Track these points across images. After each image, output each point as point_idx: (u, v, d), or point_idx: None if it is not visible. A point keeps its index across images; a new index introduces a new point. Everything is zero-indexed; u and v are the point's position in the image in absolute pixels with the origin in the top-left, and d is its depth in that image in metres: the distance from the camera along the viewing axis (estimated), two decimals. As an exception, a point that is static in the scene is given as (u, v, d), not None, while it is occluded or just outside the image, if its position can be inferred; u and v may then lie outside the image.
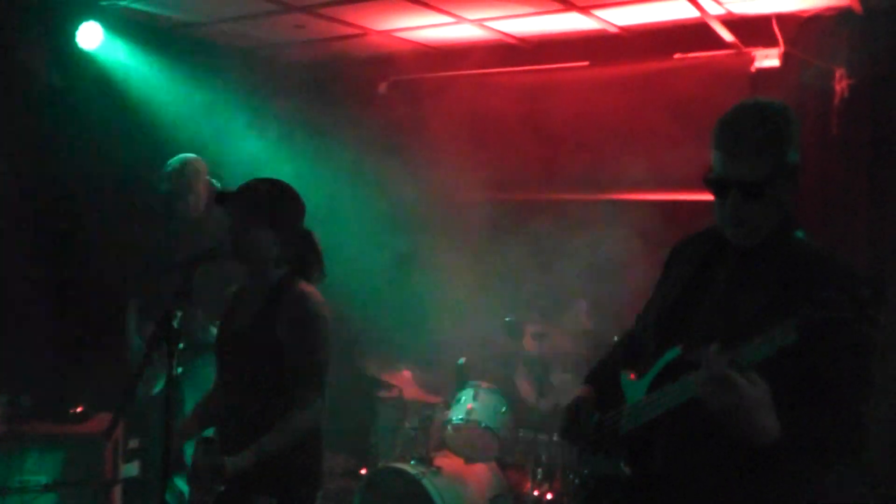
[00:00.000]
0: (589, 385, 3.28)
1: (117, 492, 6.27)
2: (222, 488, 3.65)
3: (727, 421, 2.48)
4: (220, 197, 4.00)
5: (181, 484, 4.44)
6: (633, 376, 2.99)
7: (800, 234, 2.85)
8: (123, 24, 7.18)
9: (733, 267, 2.88)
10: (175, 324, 3.39)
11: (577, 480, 3.18)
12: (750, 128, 2.72)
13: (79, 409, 6.30)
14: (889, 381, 3.16)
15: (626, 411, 2.95)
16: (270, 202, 3.92)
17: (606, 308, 6.70)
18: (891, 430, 5.04)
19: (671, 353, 2.83)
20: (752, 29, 6.70)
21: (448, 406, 6.87)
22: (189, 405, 4.22)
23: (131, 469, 6.52)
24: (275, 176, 4.06)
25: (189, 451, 3.95)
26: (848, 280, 2.50)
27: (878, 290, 2.33)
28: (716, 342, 2.53)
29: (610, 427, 3.01)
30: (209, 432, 3.97)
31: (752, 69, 6.81)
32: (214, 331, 4.30)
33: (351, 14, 7.20)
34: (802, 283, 2.65)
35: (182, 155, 6.09)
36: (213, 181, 6.10)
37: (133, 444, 6.57)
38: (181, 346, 3.44)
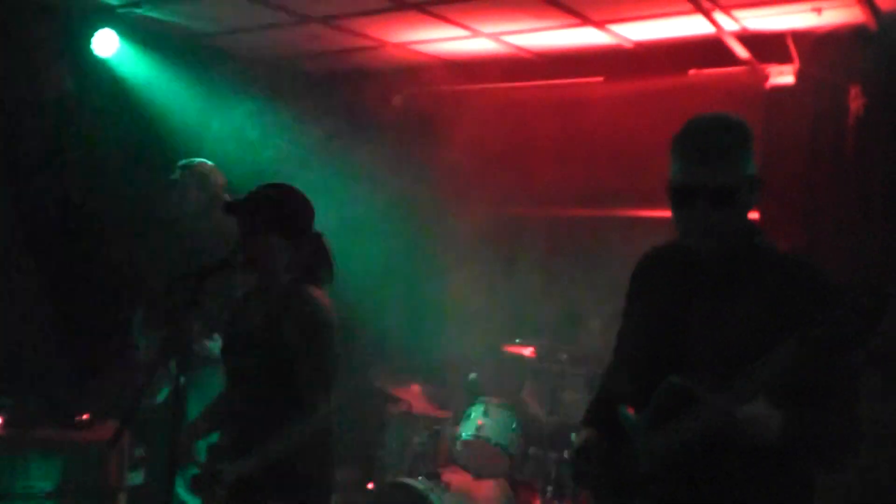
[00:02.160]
0: (590, 427, 3.17)
1: (122, 500, 6.25)
2: (223, 493, 3.63)
3: (738, 444, 2.54)
4: (229, 207, 4.00)
5: (184, 495, 4.42)
6: (630, 410, 2.90)
7: (758, 239, 2.84)
8: (139, 33, 7.20)
9: (709, 282, 2.83)
10: (181, 332, 3.38)
11: None
12: (716, 136, 2.73)
13: (84, 417, 6.28)
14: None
15: (641, 450, 2.84)
16: (280, 207, 3.93)
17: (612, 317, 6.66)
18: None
19: (666, 386, 2.73)
20: (767, 45, 6.68)
21: (457, 421, 6.84)
22: (193, 415, 4.20)
23: (137, 477, 6.49)
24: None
25: (194, 459, 3.94)
26: (845, 292, 2.48)
27: (882, 300, 2.32)
28: (713, 371, 2.55)
29: (626, 468, 2.90)
30: (215, 438, 3.96)
31: (767, 86, 6.80)
32: (219, 341, 4.29)
33: (367, 26, 7.21)
34: (794, 294, 2.65)
35: (189, 159, 6.09)
36: (225, 192, 6.09)
37: (139, 452, 6.55)
38: (188, 355, 3.43)
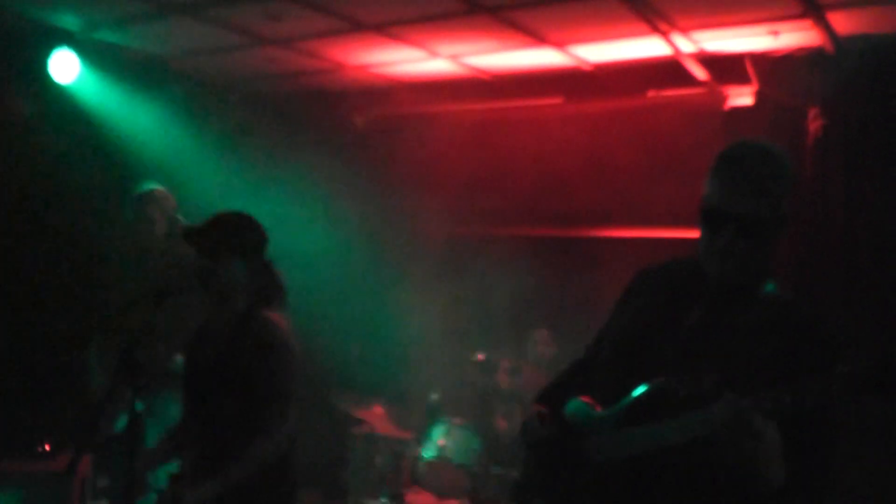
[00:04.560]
0: (542, 404, 3.14)
1: (85, 530, 6.18)
2: None
3: (739, 466, 2.40)
4: (188, 233, 4.00)
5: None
6: (595, 406, 2.88)
7: (770, 286, 2.79)
8: (98, 57, 7.15)
9: (712, 303, 2.79)
10: (138, 358, 3.36)
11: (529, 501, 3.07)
12: (758, 165, 2.68)
13: (45, 447, 6.20)
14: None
15: (597, 440, 2.81)
16: (238, 233, 3.97)
17: (569, 334, 6.71)
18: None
19: (653, 385, 2.69)
20: (726, 67, 6.73)
21: (420, 442, 6.83)
22: (151, 441, 4.17)
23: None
24: (247, 210, 4.09)
25: (155, 487, 3.91)
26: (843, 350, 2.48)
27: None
28: (721, 382, 2.49)
29: (572, 452, 2.88)
30: (174, 466, 3.93)
31: (726, 107, 6.86)
32: (177, 364, 4.27)
33: (325, 48, 7.19)
34: (791, 337, 2.61)
35: (146, 183, 6.10)
36: (180, 217, 6.08)
37: (102, 482, 6.48)
38: (144, 381, 3.41)
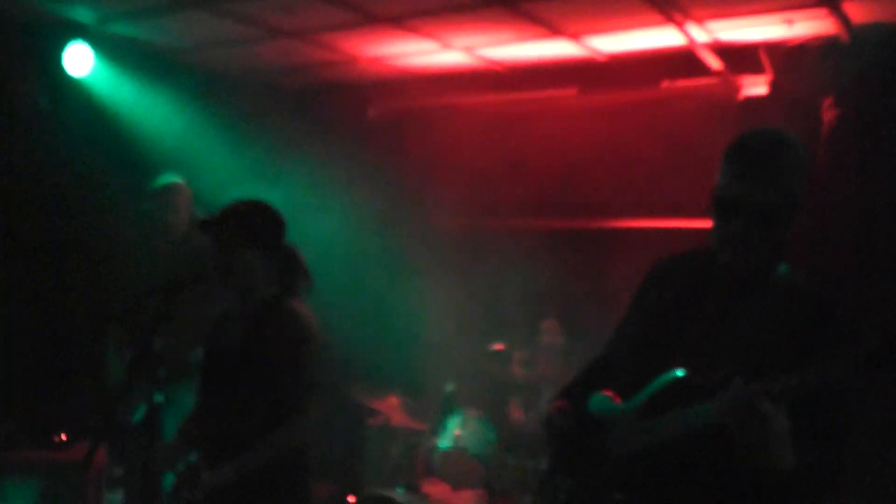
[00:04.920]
0: (564, 399, 3.16)
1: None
2: (200, 498, 3.63)
3: (749, 451, 2.42)
4: (204, 224, 4.00)
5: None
6: (616, 398, 2.90)
7: (783, 268, 2.80)
8: (112, 50, 7.17)
9: (726, 293, 2.81)
10: (156, 349, 3.37)
11: (551, 495, 3.08)
12: (769, 153, 2.68)
13: (62, 437, 6.24)
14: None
15: (618, 432, 2.85)
16: (254, 222, 3.96)
17: (581, 325, 6.72)
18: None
19: (670, 375, 2.73)
20: (740, 57, 6.72)
21: (435, 433, 6.85)
22: (169, 432, 4.19)
23: (115, 498, 6.46)
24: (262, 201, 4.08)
25: (168, 480, 3.93)
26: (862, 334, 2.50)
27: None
28: (724, 367, 2.50)
29: (594, 445, 2.92)
30: (193, 457, 3.95)
31: (740, 97, 6.84)
32: (195, 356, 4.29)
33: (338, 40, 7.20)
34: (804, 321, 2.62)
35: (166, 175, 6.13)
36: (196, 212, 6.11)
37: (118, 472, 6.52)
38: (161, 372, 3.42)
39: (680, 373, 2.71)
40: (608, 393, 2.92)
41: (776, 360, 2.51)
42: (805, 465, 2.48)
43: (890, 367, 2.29)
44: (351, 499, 7.14)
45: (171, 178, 6.16)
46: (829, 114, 6.40)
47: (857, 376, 2.34)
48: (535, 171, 7.56)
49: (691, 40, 6.51)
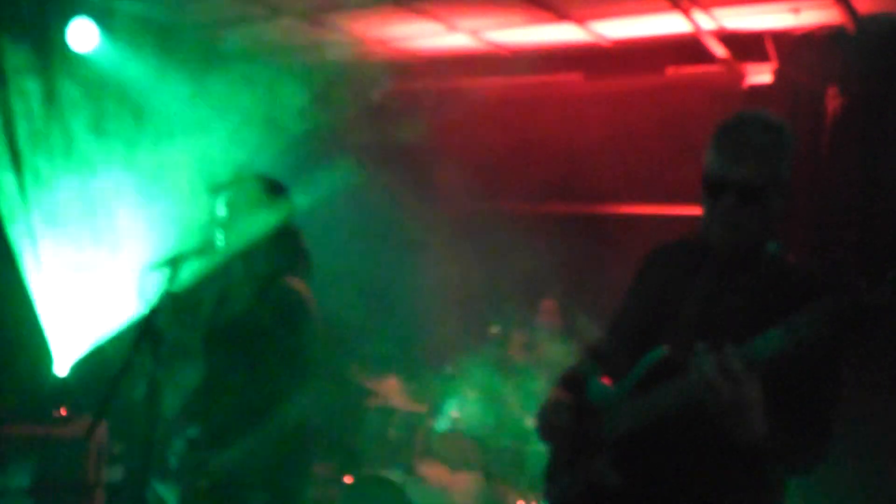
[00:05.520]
0: (562, 387, 3.20)
1: (100, 495, 6.23)
2: (207, 484, 3.64)
3: (723, 417, 2.47)
4: (214, 188, 4.01)
5: (161, 490, 4.42)
6: (609, 382, 2.95)
7: (772, 246, 2.86)
8: (116, 26, 7.15)
9: (715, 274, 2.87)
10: (157, 324, 3.38)
11: (556, 490, 3.12)
12: (754, 134, 2.75)
13: (61, 412, 6.26)
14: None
15: (610, 416, 2.90)
16: (263, 194, 3.95)
17: (577, 302, 6.74)
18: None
19: (655, 354, 2.79)
20: (745, 45, 6.71)
21: (433, 415, 6.86)
22: (169, 408, 4.20)
23: (115, 473, 6.48)
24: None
25: (171, 454, 3.94)
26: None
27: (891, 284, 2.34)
28: (704, 342, 2.53)
29: (592, 433, 2.96)
30: (194, 432, 3.96)
31: (744, 85, 6.84)
32: (195, 331, 4.29)
33: (344, 21, 7.19)
34: (792, 298, 2.62)
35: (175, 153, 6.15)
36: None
37: (118, 447, 6.54)
38: (163, 348, 3.43)
39: (661, 351, 2.78)
40: (606, 381, 2.97)
41: (762, 331, 2.53)
42: (783, 436, 2.54)
43: (859, 326, 2.36)
44: (348, 479, 7.16)
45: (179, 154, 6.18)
46: (833, 103, 6.40)
47: (826, 334, 2.39)
48: (538, 155, 7.57)
49: (697, 27, 6.50)
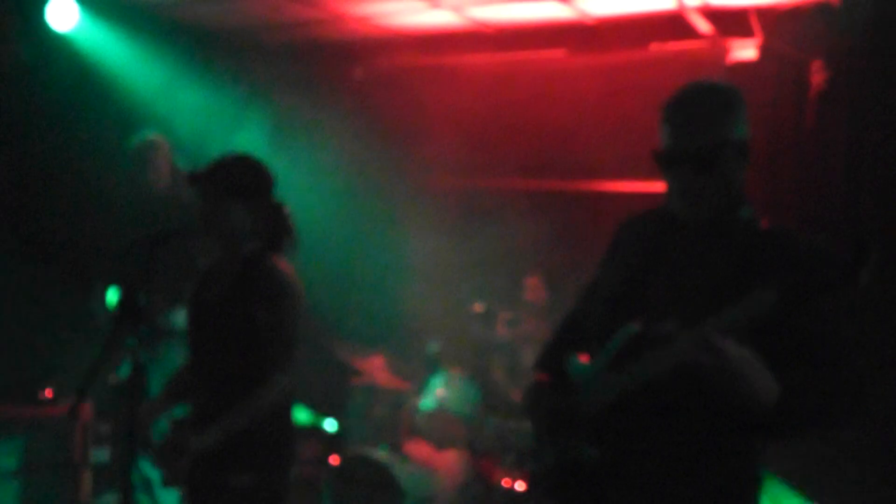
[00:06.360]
0: (541, 369, 3.23)
1: (87, 476, 6.21)
2: (187, 464, 3.64)
3: (721, 386, 2.49)
4: (193, 178, 3.98)
5: (148, 469, 4.41)
6: (584, 358, 2.94)
7: (745, 211, 2.84)
8: (95, 4, 7.10)
9: (685, 245, 2.86)
10: (138, 303, 3.36)
11: (538, 467, 3.12)
12: (699, 102, 2.77)
13: (47, 393, 6.23)
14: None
15: (586, 392, 2.89)
16: (242, 175, 3.94)
17: (562, 279, 6.74)
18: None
19: (627, 331, 2.78)
20: (730, 20, 6.70)
21: (419, 393, 6.86)
22: (155, 389, 4.19)
23: (101, 453, 6.46)
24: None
25: (156, 434, 3.93)
26: (818, 252, 2.55)
27: (862, 250, 2.33)
28: (674, 316, 2.56)
29: (570, 410, 2.95)
30: (179, 412, 3.95)
31: (729, 60, 6.82)
32: (178, 314, 4.29)
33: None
34: (768, 260, 2.66)
35: (143, 132, 6.13)
36: (178, 165, 6.12)
37: (105, 428, 6.52)
38: (144, 328, 3.41)
39: (633, 327, 2.78)
40: (584, 358, 2.96)
41: (739, 297, 2.53)
42: (792, 394, 2.53)
43: (837, 285, 2.36)
44: (334, 458, 7.16)
45: (148, 134, 6.16)
46: (817, 77, 6.39)
47: (805, 294, 2.40)
48: (523, 132, 7.55)
49: (681, 3, 6.49)
